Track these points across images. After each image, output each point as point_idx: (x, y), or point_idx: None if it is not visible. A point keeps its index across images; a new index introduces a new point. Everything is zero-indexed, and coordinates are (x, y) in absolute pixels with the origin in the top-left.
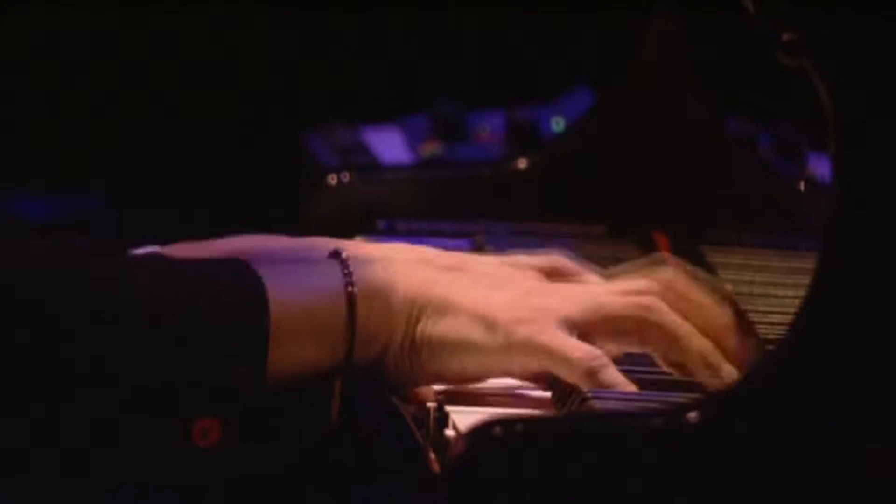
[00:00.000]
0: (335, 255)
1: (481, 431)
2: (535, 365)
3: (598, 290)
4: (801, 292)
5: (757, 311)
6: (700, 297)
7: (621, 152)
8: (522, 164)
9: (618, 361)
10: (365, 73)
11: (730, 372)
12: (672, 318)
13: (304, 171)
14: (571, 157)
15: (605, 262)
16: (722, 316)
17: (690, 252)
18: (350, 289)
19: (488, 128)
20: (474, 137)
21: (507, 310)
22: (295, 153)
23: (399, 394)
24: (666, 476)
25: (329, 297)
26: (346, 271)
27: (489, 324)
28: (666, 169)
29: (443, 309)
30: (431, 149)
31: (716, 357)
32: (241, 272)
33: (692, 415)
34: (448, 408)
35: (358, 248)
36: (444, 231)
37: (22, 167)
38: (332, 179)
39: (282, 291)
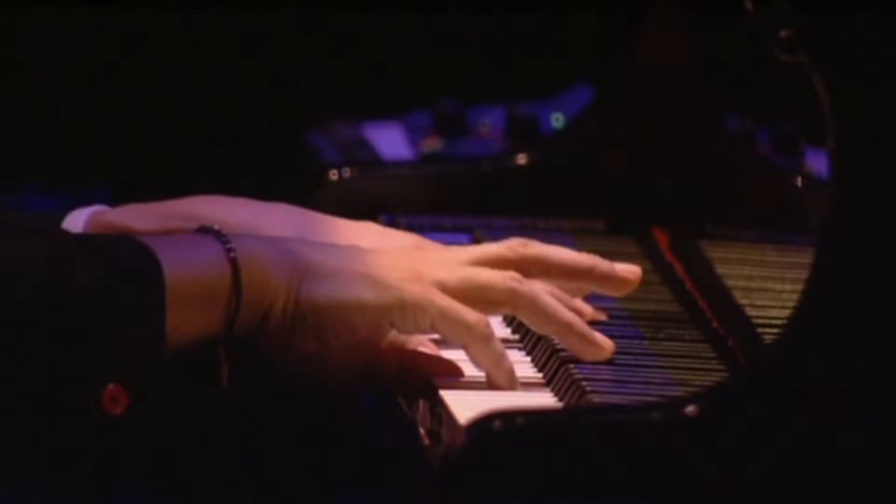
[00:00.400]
0: (206, 230)
1: (482, 425)
2: (425, 323)
3: (468, 259)
4: (799, 287)
5: (755, 306)
6: (555, 251)
7: (620, 148)
8: (522, 159)
9: (607, 363)
10: (366, 69)
11: (603, 339)
12: (540, 289)
13: (307, 167)
14: (571, 152)
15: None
16: (580, 258)
17: (689, 247)
18: (231, 255)
19: (488, 124)
20: (474, 133)
21: (391, 269)
22: (297, 149)
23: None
24: (664, 469)
25: (215, 264)
26: (223, 241)
27: (376, 282)
28: (664, 165)
29: (322, 272)
30: (432, 144)
31: (583, 326)
32: (136, 247)
33: (690, 408)
34: (447, 400)
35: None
36: (444, 226)
37: (23, 166)
38: (334, 175)
39: (173, 262)
